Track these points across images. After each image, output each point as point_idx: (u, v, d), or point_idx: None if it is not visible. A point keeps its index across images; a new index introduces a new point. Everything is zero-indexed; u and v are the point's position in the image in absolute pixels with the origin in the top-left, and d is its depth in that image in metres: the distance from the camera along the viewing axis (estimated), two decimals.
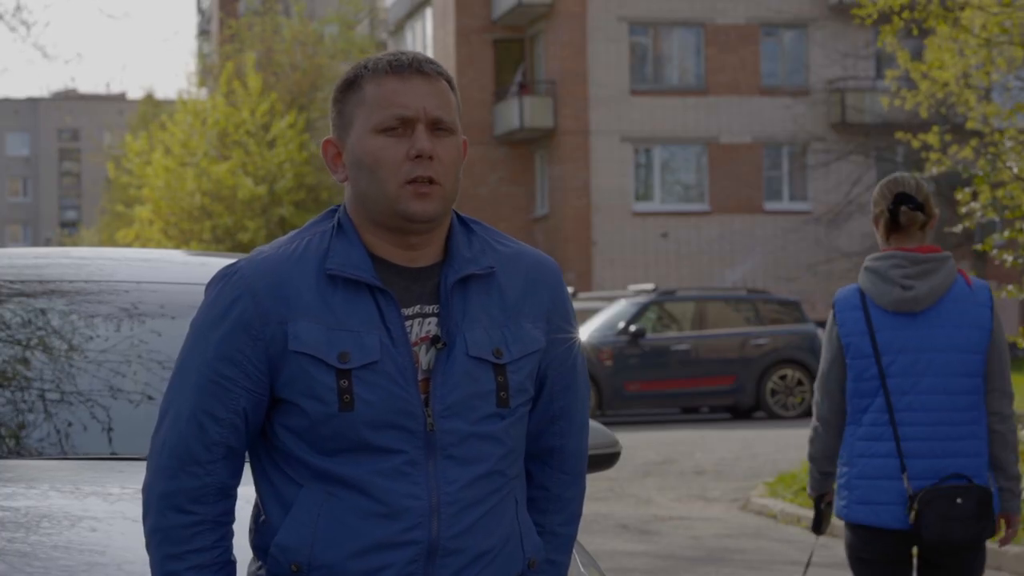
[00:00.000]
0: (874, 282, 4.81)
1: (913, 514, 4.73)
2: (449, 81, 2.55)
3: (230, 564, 2.51)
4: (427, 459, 2.47)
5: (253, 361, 2.48)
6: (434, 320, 2.52)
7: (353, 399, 2.45)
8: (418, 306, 2.52)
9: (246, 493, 2.59)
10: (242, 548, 2.57)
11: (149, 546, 2.50)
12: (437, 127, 2.51)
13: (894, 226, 4.82)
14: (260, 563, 2.54)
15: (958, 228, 11.64)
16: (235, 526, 2.55)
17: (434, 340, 2.51)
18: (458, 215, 2.60)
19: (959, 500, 4.73)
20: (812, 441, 4.98)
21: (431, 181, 2.48)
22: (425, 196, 2.48)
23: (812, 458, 4.99)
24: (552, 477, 2.66)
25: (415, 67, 2.51)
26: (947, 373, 4.79)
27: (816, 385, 4.97)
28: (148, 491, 2.50)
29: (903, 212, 4.80)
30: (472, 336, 2.51)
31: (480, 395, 2.50)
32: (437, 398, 2.48)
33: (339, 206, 2.59)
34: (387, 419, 2.46)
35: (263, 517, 2.54)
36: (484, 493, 2.50)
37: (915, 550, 4.92)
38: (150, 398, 3.66)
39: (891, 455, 4.77)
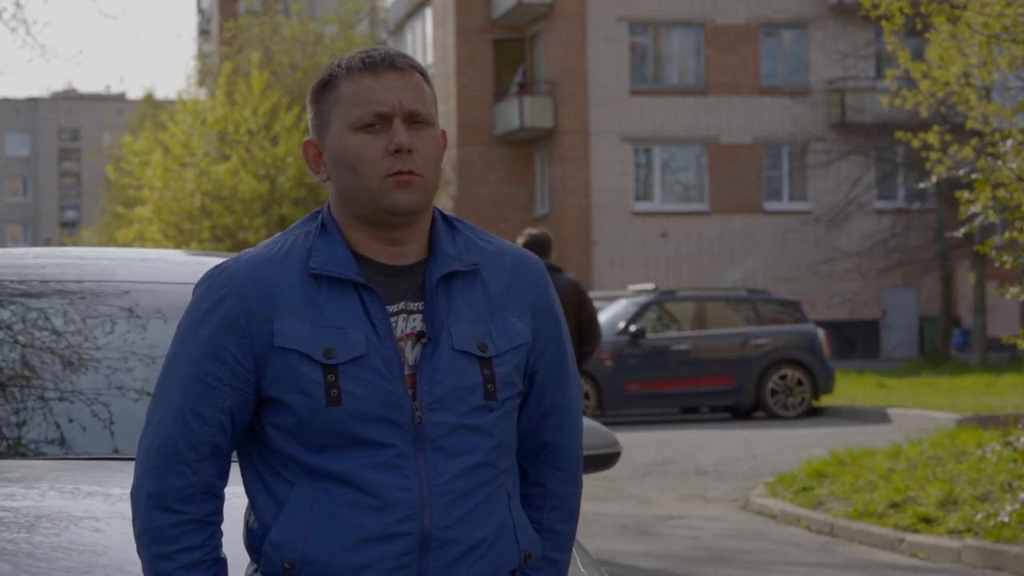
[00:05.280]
0: None
1: None
2: (423, 73, 2.58)
3: (220, 561, 2.52)
4: (416, 452, 2.49)
5: (239, 359, 2.50)
6: (419, 317, 2.54)
7: (340, 393, 2.46)
8: (402, 303, 2.54)
9: (241, 493, 2.59)
10: (237, 550, 2.56)
11: (139, 547, 2.51)
12: (414, 120, 2.53)
13: None
14: (255, 566, 2.55)
15: (959, 232, 11.63)
16: (230, 526, 2.55)
17: (419, 336, 2.53)
18: (442, 213, 2.63)
19: None
20: None
21: (411, 173, 2.51)
22: (407, 185, 2.50)
23: None
24: (548, 473, 2.67)
25: (388, 62, 2.54)
26: None
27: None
28: (136, 492, 2.52)
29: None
30: (457, 330, 2.53)
31: (467, 388, 2.52)
32: (424, 391, 2.50)
33: (323, 207, 2.61)
34: (375, 413, 2.47)
35: (255, 517, 2.54)
36: (474, 484, 2.52)
37: None
38: (148, 394, 3.65)
39: None
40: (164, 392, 2.52)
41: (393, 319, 2.52)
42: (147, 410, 2.55)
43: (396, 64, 2.54)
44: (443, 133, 2.59)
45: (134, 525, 2.51)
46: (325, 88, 2.57)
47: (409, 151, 2.51)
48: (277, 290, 2.50)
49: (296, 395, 2.48)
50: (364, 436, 2.47)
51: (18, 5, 19.32)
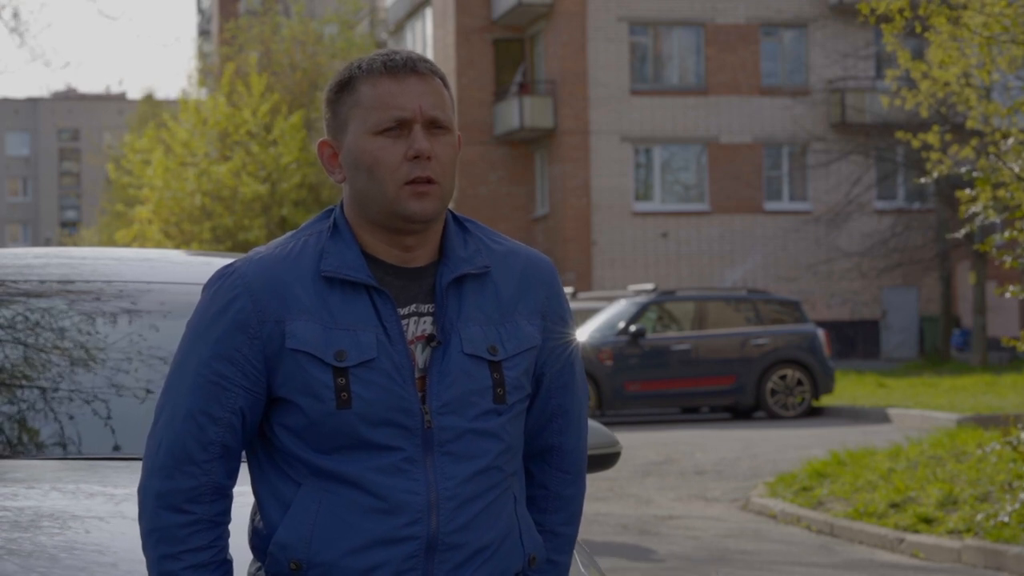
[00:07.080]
0: None
1: None
2: (442, 79, 2.56)
3: (227, 563, 2.51)
4: (425, 456, 2.48)
5: (251, 360, 2.49)
6: (429, 319, 2.53)
7: (350, 397, 2.46)
8: (413, 305, 2.53)
9: (246, 493, 2.59)
10: (241, 549, 2.57)
11: (145, 546, 2.50)
12: (434, 126, 2.52)
13: None
14: (259, 564, 2.55)
15: (960, 233, 11.64)
16: (234, 527, 2.55)
17: (429, 339, 2.52)
18: (453, 214, 2.61)
19: None
20: None
21: (429, 181, 2.50)
22: (424, 196, 2.49)
23: None
24: (552, 476, 2.67)
25: (409, 67, 2.52)
26: None
27: None
28: (144, 491, 2.50)
29: None
30: (467, 334, 2.52)
31: (476, 392, 2.51)
32: (434, 395, 2.49)
33: (335, 206, 2.60)
34: (385, 416, 2.47)
35: (261, 517, 2.54)
36: (482, 489, 2.51)
37: None
38: (149, 393, 3.66)
39: None
40: (173, 392, 2.51)
41: (404, 322, 2.52)
42: (155, 409, 2.54)
43: (417, 69, 2.52)
44: (459, 137, 2.58)
45: (140, 523, 2.50)
46: (344, 89, 2.54)
47: (428, 158, 2.49)
48: (288, 291, 2.49)
49: (306, 397, 2.47)
50: (373, 439, 2.47)
51: (16, 15, 19.33)
